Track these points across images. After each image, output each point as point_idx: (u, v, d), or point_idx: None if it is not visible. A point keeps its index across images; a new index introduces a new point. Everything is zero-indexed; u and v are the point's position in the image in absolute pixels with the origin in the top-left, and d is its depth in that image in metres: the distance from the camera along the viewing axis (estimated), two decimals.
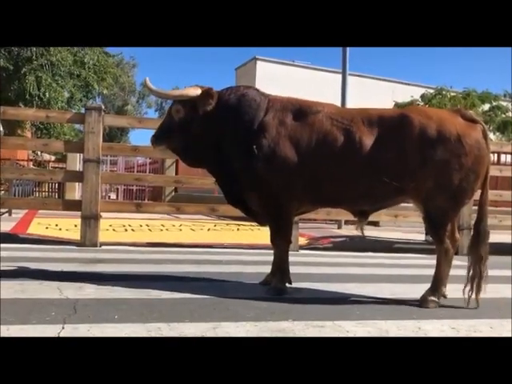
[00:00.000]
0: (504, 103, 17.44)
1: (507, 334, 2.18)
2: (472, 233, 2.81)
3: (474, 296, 2.66)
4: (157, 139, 3.05)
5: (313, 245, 5.64)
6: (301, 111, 2.88)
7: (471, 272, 2.72)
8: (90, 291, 2.70)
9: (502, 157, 10.12)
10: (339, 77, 8.75)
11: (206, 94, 2.88)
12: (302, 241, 5.61)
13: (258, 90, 3.01)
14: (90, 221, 4.84)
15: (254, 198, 2.92)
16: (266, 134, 2.80)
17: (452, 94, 16.75)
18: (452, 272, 2.81)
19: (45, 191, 14.78)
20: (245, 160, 2.80)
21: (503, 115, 16.83)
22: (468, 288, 2.68)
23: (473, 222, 5.59)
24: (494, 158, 9.36)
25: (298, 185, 2.81)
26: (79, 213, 4.89)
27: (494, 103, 16.89)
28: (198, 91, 2.88)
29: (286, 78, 20.02)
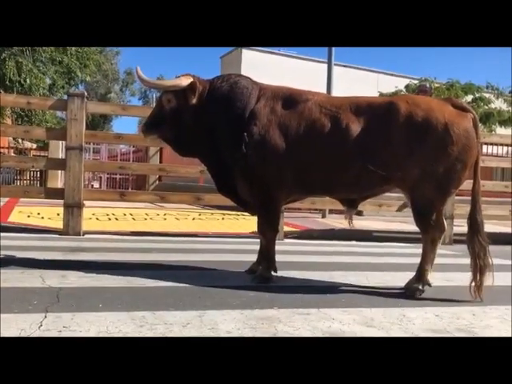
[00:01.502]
0: (486, 95, 17.64)
1: (489, 321, 2.21)
2: (467, 224, 2.74)
3: (479, 287, 2.59)
4: (148, 128, 3.02)
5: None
6: (291, 99, 2.85)
7: (473, 264, 2.64)
8: (73, 280, 2.66)
9: (484, 147, 10.25)
10: (325, 67, 8.73)
11: (191, 87, 2.85)
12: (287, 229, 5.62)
13: (249, 79, 2.99)
14: (73, 209, 4.77)
15: (244, 186, 2.89)
16: (256, 122, 2.78)
17: (436, 85, 16.88)
18: (437, 260, 2.83)
19: (26, 179, 14.57)
20: (236, 148, 2.77)
21: (486, 106, 17.04)
22: (473, 281, 2.61)
23: (455, 212, 5.73)
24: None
25: (287, 173, 2.80)
26: (62, 201, 4.82)
27: (477, 94, 17.09)
28: (190, 81, 2.85)
29: (272, 67, 19.91)
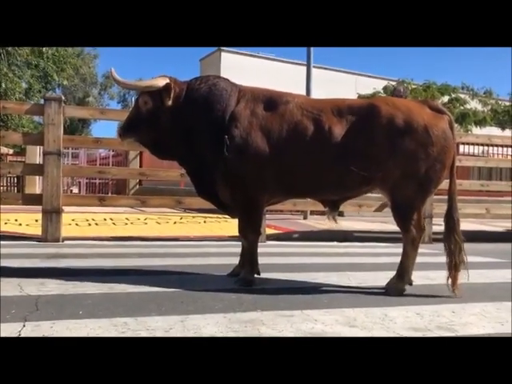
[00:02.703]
0: (462, 95, 17.98)
1: (468, 318, 2.25)
2: (444, 222, 2.83)
3: (454, 283, 2.69)
4: (125, 131, 2.96)
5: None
6: (271, 101, 2.86)
7: (448, 260, 2.74)
8: (52, 287, 2.62)
9: (461, 147, 10.43)
10: (304, 68, 8.78)
11: (165, 88, 2.82)
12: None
13: (228, 80, 2.97)
14: (52, 215, 4.70)
15: (225, 189, 2.87)
16: (237, 124, 2.77)
17: (413, 86, 17.14)
18: (417, 259, 2.86)
19: (3, 185, 14.25)
20: (217, 151, 2.76)
21: (461, 107, 17.36)
22: (449, 277, 2.71)
23: (434, 211, 5.82)
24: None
25: (269, 176, 2.80)
26: (40, 207, 4.74)
27: (453, 95, 17.40)
28: (166, 82, 2.82)
29: (251, 69, 19.96)
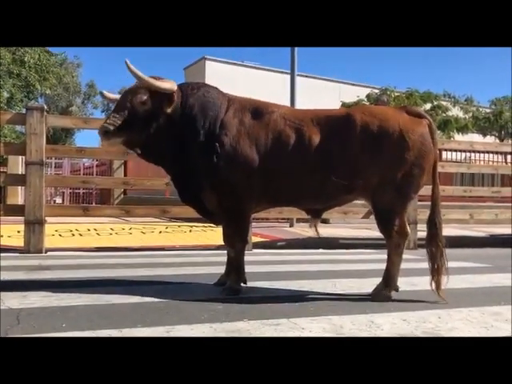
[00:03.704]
0: (444, 103, 18.29)
1: (454, 323, 2.26)
2: (427, 227, 2.86)
3: (438, 287, 2.72)
4: (116, 130, 2.68)
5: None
6: (257, 111, 2.86)
7: (431, 265, 2.77)
8: (34, 300, 2.57)
9: (444, 154, 10.56)
10: (288, 77, 8.83)
11: (170, 96, 2.74)
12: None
13: (217, 88, 2.96)
14: (35, 226, 4.63)
15: (212, 197, 2.85)
16: (227, 132, 2.76)
17: (396, 93, 17.39)
18: (401, 265, 2.88)
19: None
20: (206, 158, 2.74)
21: (444, 114, 17.65)
22: (432, 281, 2.74)
23: (419, 217, 5.87)
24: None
25: (256, 184, 2.80)
26: (22, 218, 4.67)
27: (435, 103, 17.70)
28: (175, 87, 2.76)
29: (236, 78, 20.04)
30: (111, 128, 2.69)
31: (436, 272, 2.75)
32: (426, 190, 3.04)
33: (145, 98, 2.73)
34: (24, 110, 5.05)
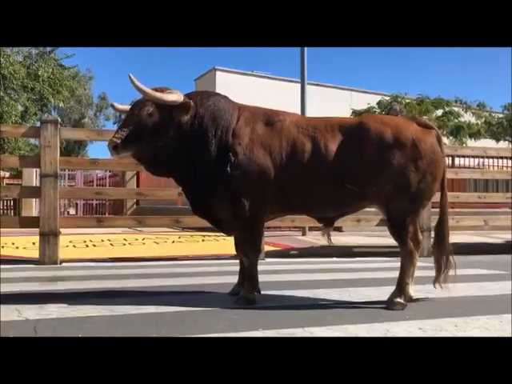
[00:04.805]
0: (456, 108, 18.16)
1: (471, 332, 2.23)
2: (434, 232, 2.93)
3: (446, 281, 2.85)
4: (124, 143, 2.69)
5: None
6: (268, 119, 2.88)
7: (436, 271, 2.85)
8: (51, 311, 2.59)
9: (456, 160, 10.49)
10: (298, 86, 8.85)
11: (186, 105, 2.75)
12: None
13: (227, 97, 2.97)
14: (49, 238, 4.68)
15: (225, 207, 2.84)
16: (240, 142, 2.77)
17: (407, 100, 17.31)
18: (416, 273, 2.86)
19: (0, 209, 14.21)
20: (220, 168, 2.75)
21: (455, 120, 17.52)
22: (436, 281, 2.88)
23: (433, 225, 5.83)
24: (448, 161, 9.68)
25: (270, 193, 2.80)
26: (37, 230, 4.72)
27: (447, 109, 17.58)
28: (182, 98, 2.76)
29: (246, 88, 20.13)
30: (119, 142, 2.69)
31: (437, 277, 2.89)
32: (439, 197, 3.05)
33: (152, 110, 2.73)
34: (38, 123, 5.12)
